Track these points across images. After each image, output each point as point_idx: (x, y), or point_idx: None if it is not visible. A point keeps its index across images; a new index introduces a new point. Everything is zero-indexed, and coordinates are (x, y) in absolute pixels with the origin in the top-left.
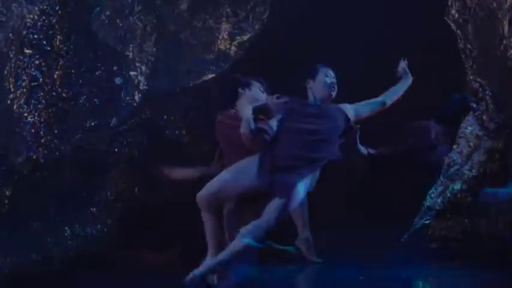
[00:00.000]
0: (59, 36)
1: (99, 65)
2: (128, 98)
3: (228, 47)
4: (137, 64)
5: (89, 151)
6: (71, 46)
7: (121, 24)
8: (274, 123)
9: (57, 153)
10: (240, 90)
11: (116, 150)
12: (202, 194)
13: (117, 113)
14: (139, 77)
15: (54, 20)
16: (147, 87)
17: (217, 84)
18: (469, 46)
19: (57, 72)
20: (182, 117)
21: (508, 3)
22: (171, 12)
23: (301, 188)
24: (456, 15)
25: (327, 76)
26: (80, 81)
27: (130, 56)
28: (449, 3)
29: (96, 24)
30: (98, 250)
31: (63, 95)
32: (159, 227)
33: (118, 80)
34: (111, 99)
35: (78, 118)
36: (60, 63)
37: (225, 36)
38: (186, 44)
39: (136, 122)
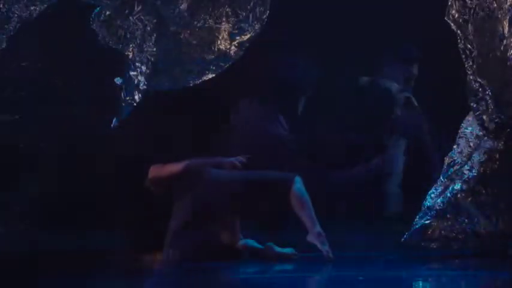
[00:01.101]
0: None
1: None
2: (128, 98)
3: (228, 47)
4: (137, 64)
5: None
6: None
7: (121, 24)
8: None
9: None
10: None
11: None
12: None
13: (118, 114)
14: (139, 77)
15: None
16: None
17: None
18: (469, 46)
19: None
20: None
21: (508, 3)
22: (171, 12)
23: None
24: (456, 15)
25: None
26: None
27: (131, 56)
28: (449, 3)
29: (95, 24)
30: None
31: None
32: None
33: (118, 80)
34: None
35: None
36: None
37: (225, 36)
38: (186, 44)
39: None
